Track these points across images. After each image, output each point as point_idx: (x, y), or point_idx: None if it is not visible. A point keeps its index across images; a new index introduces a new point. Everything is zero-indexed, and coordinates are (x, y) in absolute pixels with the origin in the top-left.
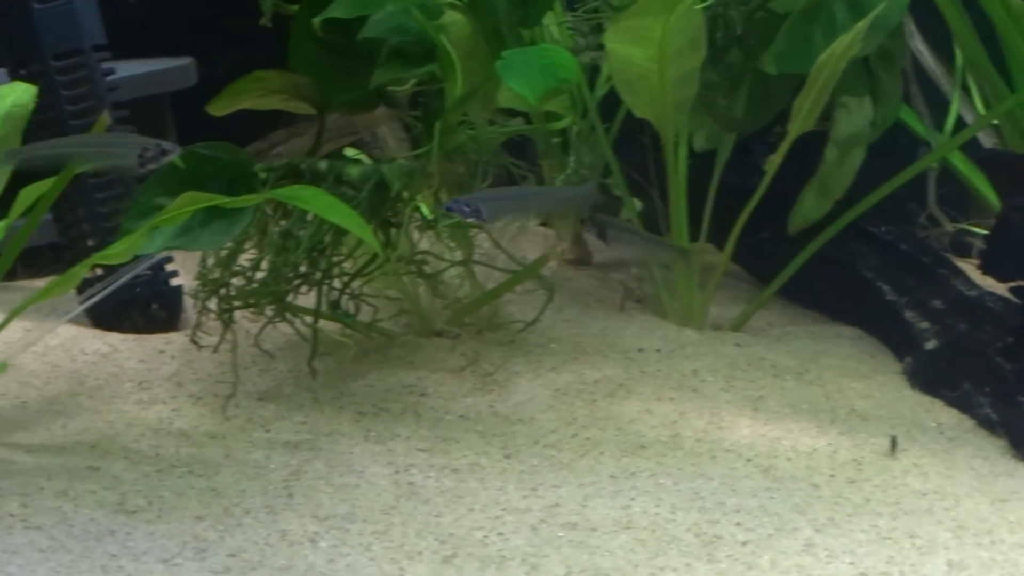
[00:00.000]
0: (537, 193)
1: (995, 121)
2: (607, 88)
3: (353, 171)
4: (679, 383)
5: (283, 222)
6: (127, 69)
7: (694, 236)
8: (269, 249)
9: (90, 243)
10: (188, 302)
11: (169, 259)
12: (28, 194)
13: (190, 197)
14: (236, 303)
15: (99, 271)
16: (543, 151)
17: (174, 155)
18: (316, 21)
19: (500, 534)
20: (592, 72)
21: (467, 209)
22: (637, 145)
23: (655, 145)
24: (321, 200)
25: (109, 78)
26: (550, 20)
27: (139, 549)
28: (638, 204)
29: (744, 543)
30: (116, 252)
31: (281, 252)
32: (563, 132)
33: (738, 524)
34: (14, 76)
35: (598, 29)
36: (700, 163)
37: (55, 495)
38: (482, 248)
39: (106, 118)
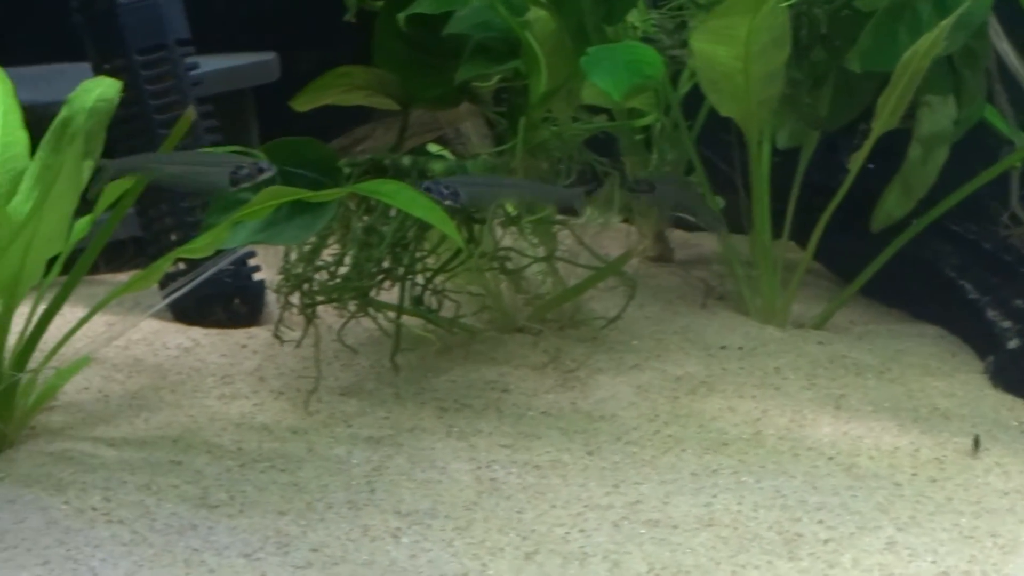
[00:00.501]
0: (519, 185)
1: None
2: (690, 85)
3: (436, 167)
4: (761, 381)
5: (366, 217)
6: (211, 64)
7: (777, 234)
8: (352, 244)
9: (173, 237)
10: (270, 297)
11: (252, 254)
12: (112, 189)
13: (274, 191)
14: (319, 298)
15: (181, 265)
16: (626, 148)
17: (269, 174)
18: (401, 17)
19: (582, 531)
20: (675, 69)
21: (445, 191)
22: (720, 142)
23: (738, 142)
24: (404, 195)
25: (193, 73)
26: (634, 17)
27: (221, 543)
28: (721, 201)
29: (826, 541)
30: (200, 246)
31: (364, 247)
32: (646, 129)
33: (820, 522)
34: (98, 70)
35: (681, 26)
36: (783, 160)
37: (138, 489)
38: (564, 245)
39: (192, 113)
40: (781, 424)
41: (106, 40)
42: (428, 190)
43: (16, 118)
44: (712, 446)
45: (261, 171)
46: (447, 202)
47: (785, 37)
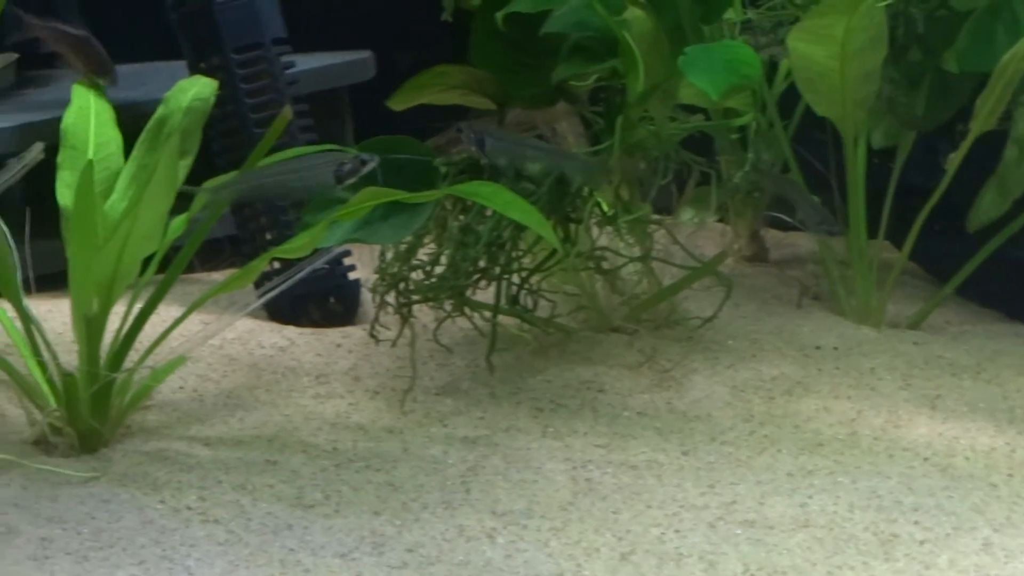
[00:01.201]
0: (541, 149)
1: None
2: (786, 84)
3: (533, 166)
4: (856, 381)
5: (462, 217)
6: (306, 62)
7: (872, 233)
8: (448, 244)
9: (268, 236)
10: (365, 296)
11: (347, 253)
12: (210, 186)
13: (371, 192)
14: (415, 297)
15: (276, 265)
16: (721, 147)
17: (372, 164)
18: (500, 16)
19: (677, 531)
20: (771, 68)
21: (473, 136)
22: (815, 142)
23: (834, 142)
24: (502, 196)
25: (289, 71)
26: (730, 16)
27: (316, 543)
28: (816, 201)
29: (922, 542)
30: (297, 246)
31: (460, 247)
32: (742, 129)
33: (916, 523)
34: (193, 69)
35: (778, 25)
36: (879, 160)
37: (233, 488)
38: (660, 244)
39: (288, 112)
40: (876, 424)
41: (202, 39)
42: (459, 130)
43: (109, 117)
44: (807, 447)
45: (364, 163)
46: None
47: (882, 37)
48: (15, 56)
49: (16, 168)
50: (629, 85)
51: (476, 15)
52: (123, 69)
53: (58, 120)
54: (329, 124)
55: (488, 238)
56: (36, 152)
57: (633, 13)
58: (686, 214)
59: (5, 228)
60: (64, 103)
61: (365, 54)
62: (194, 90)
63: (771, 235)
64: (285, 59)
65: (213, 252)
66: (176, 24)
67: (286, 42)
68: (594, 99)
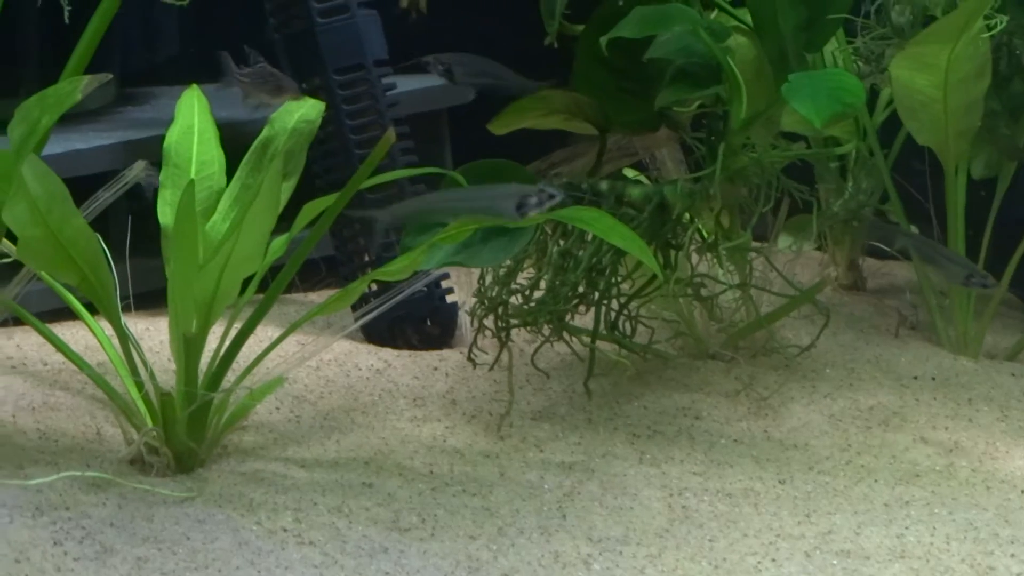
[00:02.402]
0: (507, 75)
1: None
2: (887, 113)
3: (634, 192)
4: (954, 412)
5: (562, 241)
6: (406, 84)
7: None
8: (548, 268)
9: (366, 258)
10: (461, 319)
11: (445, 276)
12: (310, 209)
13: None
14: (514, 321)
15: (373, 286)
16: (820, 175)
17: (559, 199)
18: (603, 41)
19: (774, 560)
20: (871, 96)
21: (440, 67)
22: (914, 171)
23: (933, 171)
24: (603, 221)
25: (389, 93)
26: (832, 45)
27: (412, 567)
28: (915, 230)
29: (1018, 575)
30: (397, 269)
31: (560, 271)
32: (842, 157)
33: (1012, 555)
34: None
35: (880, 55)
36: (979, 190)
37: (329, 511)
38: (758, 271)
39: (392, 135)
40: (974, 456)
41: (304, 59)
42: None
43: (213, 137)
44: (904, 477)
45: (552, 197)
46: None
47: (986, 67)
48: (109, 76)
49: (118, 186)
50: (732, 112)
51: (579, 40)
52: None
53: (159, 138)
54: (428, 146)
55: (588, 263)
56: (138, 170)
57: (737, 40)
58: (784, 241)
59: (104, 246)
60: (163, 121)
61: None
62: (300, 112)
63: (868, 263)
64: (386, 80)
65: (309, 272)
66: (278, 44)
67: (387, 63)
68: (695, 125)
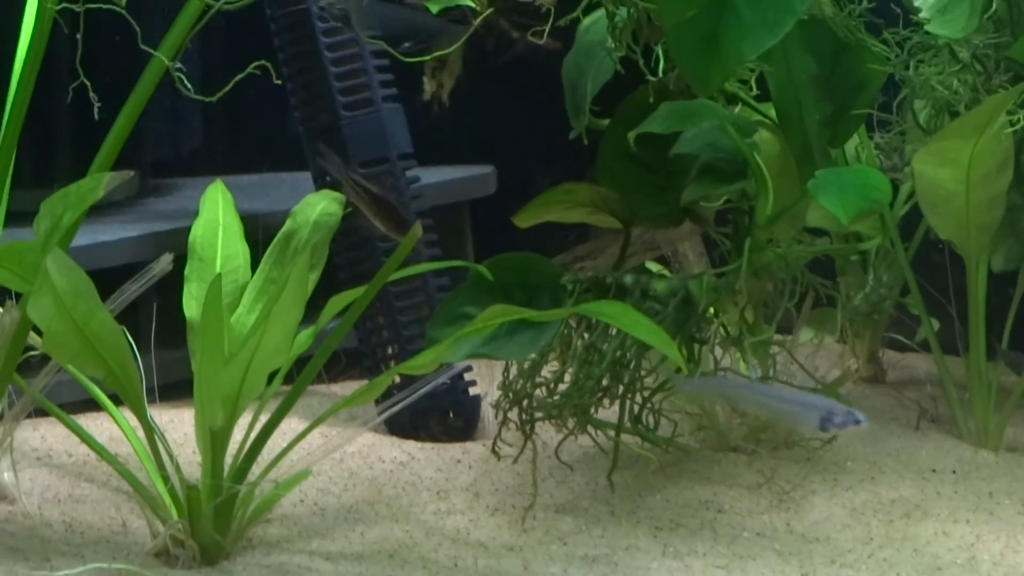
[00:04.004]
0: (404, 14)
1: None
2: (909, 207)
3: (659, 286)
4: (975, 505)
5: (587, 334)
6: (429, 176)
7: (992, 356)
8: (572, 361)
9: (390, 351)
10: (484, 411)
11: (468, 368)
12: (337, 301)
13: (499, 310)
14: (538, 414)
15: (396, 379)
16: (842, 268)
17: (864, 425)
18: (631, 136)
19: None
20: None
21: (337, 10)
22: (935, 264)
23: (953, 264)
24: (628, 316)
25: (413, 186)
26: (855, 140)
27: None
28: (936, 324)
29: None
30: (423, 362)
31: (584, 365)
32: (863, 250)
33: None
34: (319, 183)
35: (902, 150)
36: (999, 284)
37: None
38: (779, 364)
39: (418, 230)
40: (995, 550)
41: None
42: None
43: (237, 230)
44: (926, 571)
45: (857, 422)
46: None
47: (1009, 162)
48: (131, 173)
49: (144, 279)
50: (758, 207)
51: (605, 134)
52: (246, 180)
53: (182, 230)
54: (450, 238)
55: (612, 357)
56: (165, 263)
57: (762, 135)
58: (806, 335)
59: (130, 337)
60: (186, 212)
61: (487, 169)
62: (322, 205)
63: (888, 356)
64: (410, 173)
65: (331, 363)
66: (303, 138)
67: (412, 156)
68: (718, 219)
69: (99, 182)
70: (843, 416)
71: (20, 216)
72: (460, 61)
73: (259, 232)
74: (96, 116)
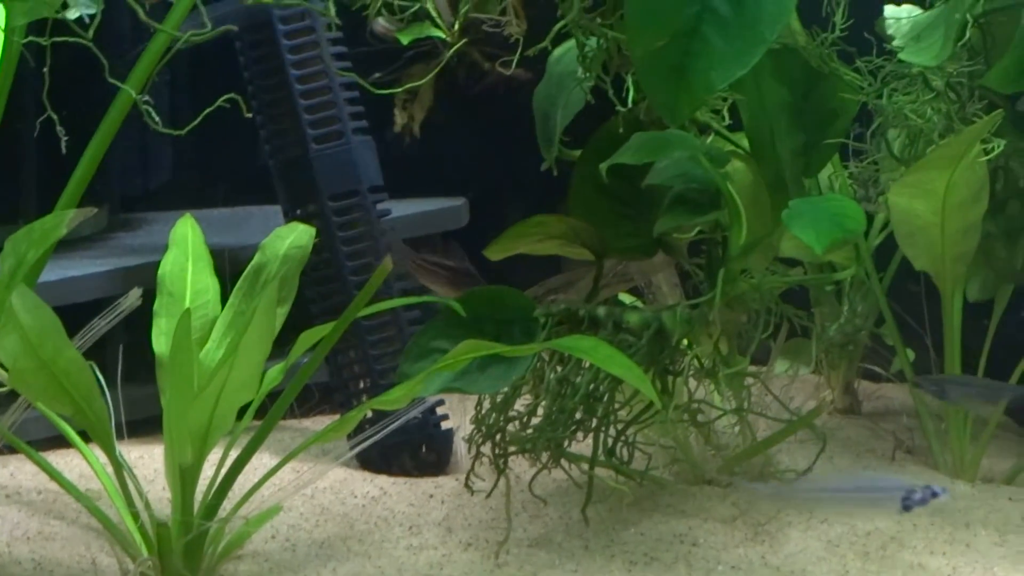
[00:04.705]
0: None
1: None
2: (882, 237)
3: (632, 318)
4: (951, 537)
5: (559, 368)
6: (400, 208)
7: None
8: (545, 395)
9: (361, 385)
10: (457, 445)
11: (440, 402)
12: (308, 337)
13: (471, 345)
14: (511, 448)
15: (368, 413)
16: (816, 299)
17: (944, 498)
18: (603, 167)
19: None
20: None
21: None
22: (910, 294)
23: (929, 294)
24: (600, 351)
25: (384, 219)
26: (828, 169)
27: None
28: (911, 354)
29: None
30: (395, 397)
31: (557, 398)
32: (838, 280)
33: None
34: (289, 216)
35: (876, 179)
36: (974, 313)
37: None
38: (754, 395)
39: (388, 264)
40: None
41: (298, 186)
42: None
43: (206, 264)
44: None
45: (935, 495)
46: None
47: (983, 191)
48: (94, 210)
49: (112, 315)
50: (732, 238)
51: (576, 165)
52: (216, 214)
53: (151, 265)
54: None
55: (586, 390)
56: (133, 298)
57: (734, 165)
58: (781, 366)
59: (98, 373)
60: (156, 247)
61: (459, 201)
62: (291, 238)
63: (864, 386)
64: (381, 207)
65: (302, 398)
66: (273, 171)
67: (382, 189)
68: (692, 250)
69: (63, 219)
70: (922, 492)
71: None
72: (431, 92)
73: (227, 266)
74: (63, 150)
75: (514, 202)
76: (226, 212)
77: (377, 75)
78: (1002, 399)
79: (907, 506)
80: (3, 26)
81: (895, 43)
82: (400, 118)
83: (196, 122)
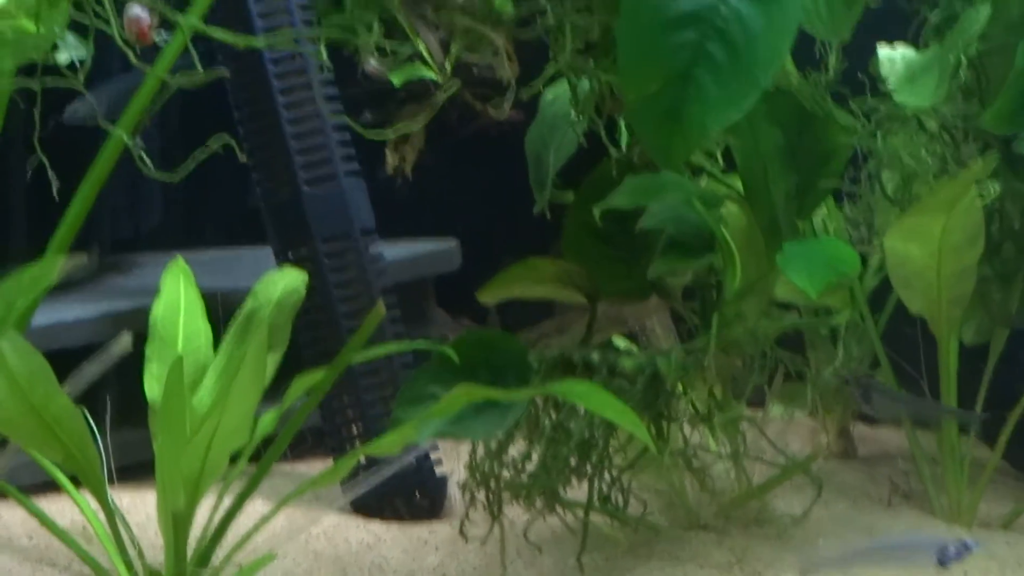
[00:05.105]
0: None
1: None
2: (878, 280)
3: (627, 363)
4: None
5: (554, 413)
6: (392, 251)
7: (963, 430)
8: (540, 440)
9: (355, 429)
10: (450, 490)
11: (434, 447)
12: (301, 383)
13: (465, 389)
14: (506, 494)
15: (362, 459)
16: (811, 342)
17: (976, 550)
18: (597, 211)
19: None
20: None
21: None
22: (905, 337)
23: (924, 337)
24: (596, 396)
25: (377, 263)
26: (823, 212)
27: None
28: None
29: None
30: (388, 443)
31: (552, 444)
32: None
33: None
34: (281, 258)
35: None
36: (969, 357)
37: None
38: (749, 439)
39: (381, 308)
40: None
41: (290, 228)
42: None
43: (198, 308)
44: None
45: (968, 548)
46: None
47: (979, 235)
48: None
49: (103, 360)
50: (726, 281)
51: (569, 208)
52: (206, 256)
53: (142, 309)
54: (413, 313)
55: (580, 436)
56: (124, 344)
57: (728, 208)
58: (776, 410)
59: (89, 418)
60: (146, 290)
61: (451, 243)
62: (283, 283)
63: (859, 430)
64: (373, 250)
65: (295, 441)
66: (264, 213)
67: (374, 232)
68: (686, 294)
69: (53, 266)
70: (956, 547)
71: None
72: (423, 134)
73: (220, 310)
74: (55, 193)
75: (506, 244)
76: (216, 254)
77: (368, 115)
78: (930, 419)
79: (943, 562)
80: None
81: (889, 84)
82: (392, 159)
83: (190, 168)
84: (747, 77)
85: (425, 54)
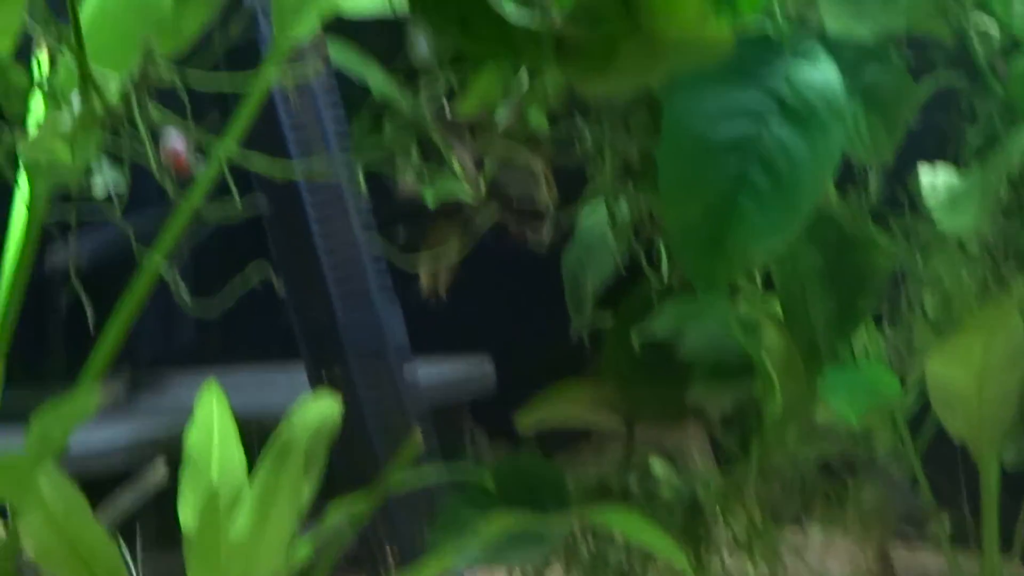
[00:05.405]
0: None
1: None
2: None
3: (665, 489)
4: None
5: (591, 539)
6: (426, 370)
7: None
8: (577, 568)
9: (390, 556)
10: None
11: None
12: (337, 509)
13: (501, 515)
14: None
15: None
16: (849, 465)
17: None
18: (635, 336)
19: None
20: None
21: None
22: (945, 458)
23: (964, 457)
24: (634, 523)
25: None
26: (862, 335)
27: None
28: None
29: None
30: (425, 570)
31: (590, 571)
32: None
33: None
34: (314, 378)
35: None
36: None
37: None
38: (788, 561)
39: (418, 437)
40: None
41: (324, 347)
42: None
43: (232, 434)
44: None
45: None
46: None
47: (1020, 356)
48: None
49: (138, 491)
50: (765, 407)
51: (608, 331)
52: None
53: (175, 435)
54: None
55: (618, 564)
56: (159, 474)
57: (767, 332)
58: (815, 534)
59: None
60: (179, 410)
61: (485, 364)
62: (318, 408)
63: (898, 555)
64: (407, 369)
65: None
66: (297, 332)
67: (407, 350)
68: (724, 419)
69: (90, 400)
70: None
71: (11, 415)
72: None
73: (254, 435)
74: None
75: (541, 365)
76: (249, 374)
77: (401, 230)
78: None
79: None
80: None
81: (932, 211)
82: (426, 280)
83: (226, 300)
84: (790, 204)
85: (458, 171)
